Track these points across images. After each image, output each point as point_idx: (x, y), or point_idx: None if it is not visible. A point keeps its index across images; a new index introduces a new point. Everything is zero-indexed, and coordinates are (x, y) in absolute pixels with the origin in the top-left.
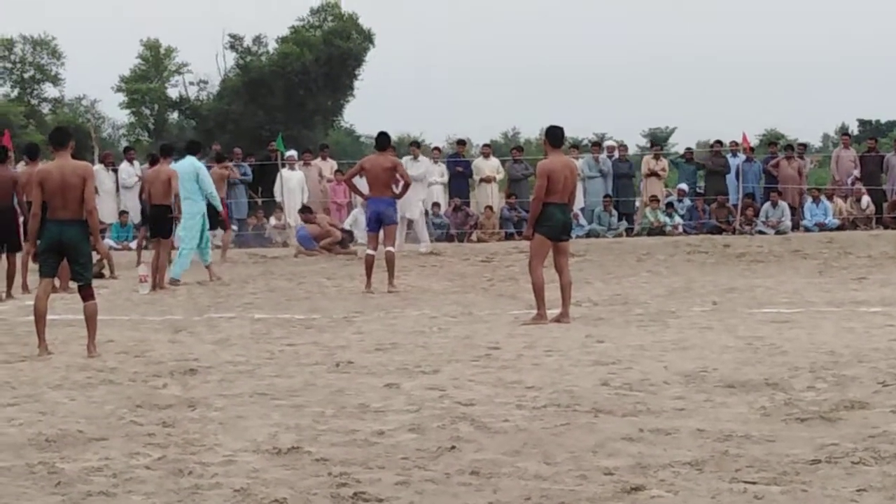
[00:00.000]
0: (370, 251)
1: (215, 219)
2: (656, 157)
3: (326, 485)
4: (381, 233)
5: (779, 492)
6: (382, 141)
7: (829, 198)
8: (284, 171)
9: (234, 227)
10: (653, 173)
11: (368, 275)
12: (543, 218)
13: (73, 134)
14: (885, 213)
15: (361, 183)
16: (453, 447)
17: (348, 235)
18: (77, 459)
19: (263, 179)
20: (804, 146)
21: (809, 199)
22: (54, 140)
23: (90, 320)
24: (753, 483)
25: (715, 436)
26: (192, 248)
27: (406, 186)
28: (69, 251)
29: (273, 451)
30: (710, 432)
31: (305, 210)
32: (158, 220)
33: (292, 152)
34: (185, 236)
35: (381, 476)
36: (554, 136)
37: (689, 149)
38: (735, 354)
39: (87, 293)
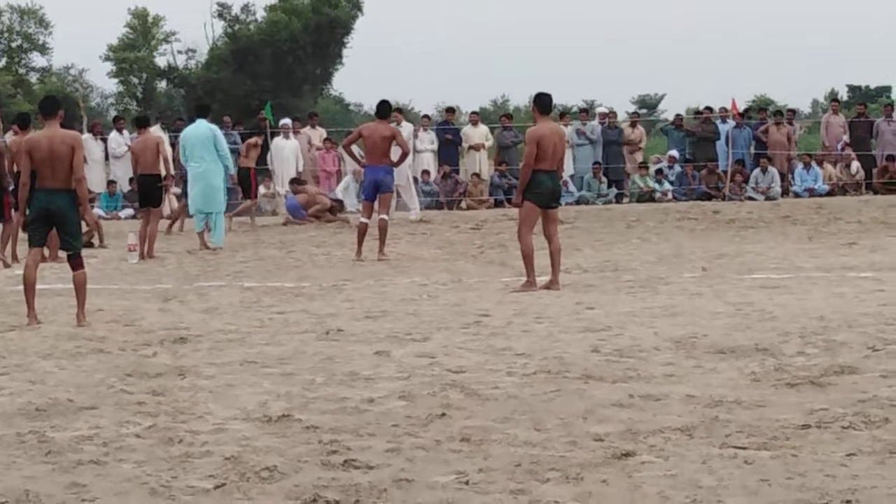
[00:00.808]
0: (364, 219)
1: (248, 185)
2: (633, 126)
3: (317, 452)
4: (376, 201)
5: (769, 457)
6: (383, 109)
7: (819, 163)
8: (277, 140)
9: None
10: (628, 142)
11: (360, 242)
12: (533, 185)
13: (62, 103)
14: (875, 178)
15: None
16: (443, 414)
17: (338, 204)
18: (67, 428)
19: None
20: (793, 112)
21: (800, 165)
22: (44, 109)
23: (79, 289)
24: (744, 448)
25: (705, 401)
26: (221, 213)
27: (404, 155)
28: (58, 220)
29: (263, 418)
30: (700, 398)
31: (294, 181)
32: (148, 190)
33: (286, 120)
34: (212, 202)
35: (372, 443)
36: (542, 103)
37: (678, 115)
38: (725, 320)
39: (76, 262)
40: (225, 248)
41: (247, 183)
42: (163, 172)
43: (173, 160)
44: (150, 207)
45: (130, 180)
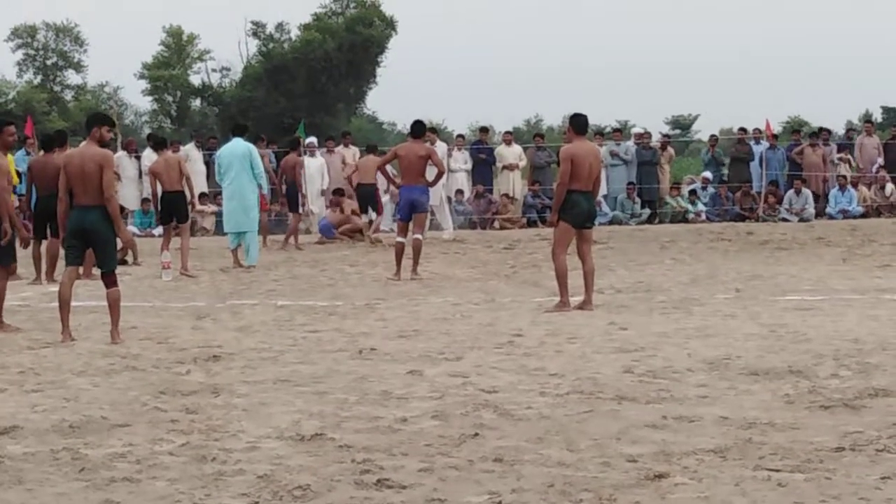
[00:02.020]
0: (400, 239)
1: (295, 202)
2: (663, 147)
3: (350, 471)
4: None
5: (803, 479)
6: (418, 128)
7: (854, 185)
8: (305, 159)
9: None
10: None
11: (398, 262)
12: (568, 205)
13: (102, 121)
14: None
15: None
16: (476, 434)
17: (368, 225)
18: (101, 445)
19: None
20: (829, 132)
21: (836, 187)
22: (86, 125)
23: (113, 307)
24: (777, 471)
25: (738, 423)
26: (255, 231)
27: (440, 175)
28: (91, 237)
29: (296, 437)
30: (733, 420)
31: (337, 192)
32: (176, 206)
33: (312, 139)
34: (246, 221)
35: (405, 463)
36: (578, 123)
37: (713, 136)
38: (759, 342)
39: (110, 280)
40: (258, 266)
41: (295, 200)
42: (186, 192)
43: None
44: (177, 224)
45: (143, 201)
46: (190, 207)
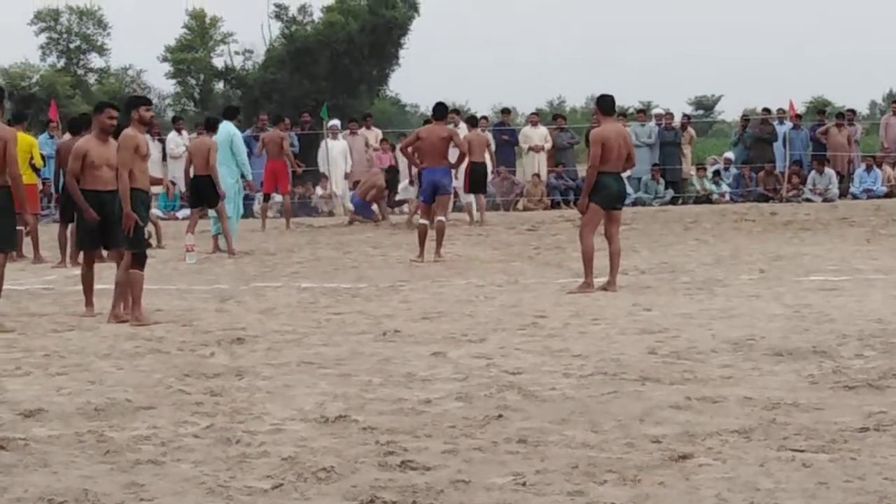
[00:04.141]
0: (423, 221)
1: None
2: (683, 127)
3: (374, 453)
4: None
5: (827, 459)
6: (440, 110)
7: (878, 165)
8: (328, 141)
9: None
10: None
11: (421, 244)
12: (598, 187)
13: (137, 102)
14: None
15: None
16: (500, 416)
17: (391, 172)
18: (125, 428)
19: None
20: (853, 112)
21: (862, 167)
22: (125, 110)
23: (132, 286)
24: (801, 451)
25: (762, 404)
26: (233, 218)
27: (462, 157)
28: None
29: (320, 419)
30: (757, 400)
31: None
32: (204, 190)
33: (335, 122)
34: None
35: (429, 444)
36: (605, 104)
37: (745, 117)
38: (782, 322)
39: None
40: (281, 249)
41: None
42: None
43: None
44: (206, 206)
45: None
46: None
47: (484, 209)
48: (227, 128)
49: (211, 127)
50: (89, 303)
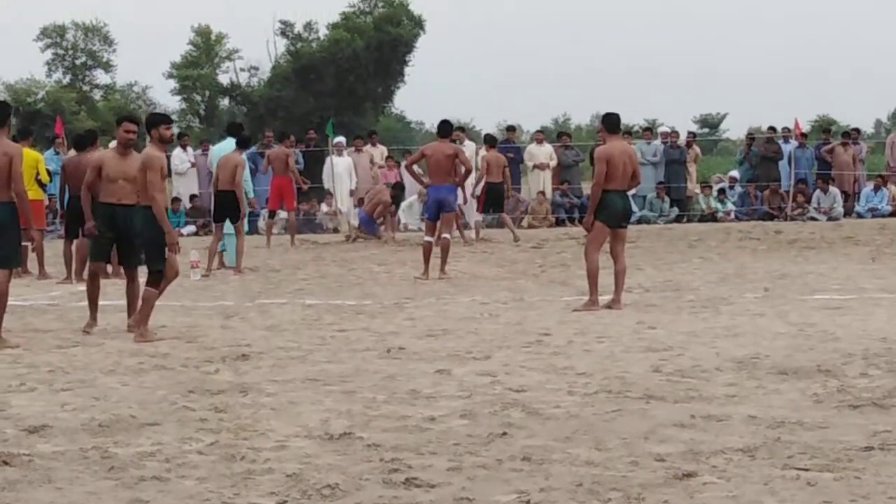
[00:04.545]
0: (428, 238)
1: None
2: (689, 145)
3: (378, 470)
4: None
5: (831, 479)
6: (445, 128)
7: (885, 184)
8: (332, 158)
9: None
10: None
11: (426, 261)
12: (603, 205)
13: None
14: None
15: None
16: (505, 433)
17: (397, 188)
18: (130, 444)
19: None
20: (858, 131)
21: (870, 186)
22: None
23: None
24: (806, 470)
25: (767, 422)
26: (232, 234)
27: (467, 173)
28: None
29: (325, 436)
30: (762, 419)
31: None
32: (227, 205)
33: (340, 138)
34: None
35: (433, 462)
36: (610, 122)
37: (750, 135)
38: (787, 341)
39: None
40: (286, 266)
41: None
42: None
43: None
44: (229, 222)
45: (173, 200)
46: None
47: (512, 225)
48: (231, 145)
49: (242, 144)
50: (93, 316)
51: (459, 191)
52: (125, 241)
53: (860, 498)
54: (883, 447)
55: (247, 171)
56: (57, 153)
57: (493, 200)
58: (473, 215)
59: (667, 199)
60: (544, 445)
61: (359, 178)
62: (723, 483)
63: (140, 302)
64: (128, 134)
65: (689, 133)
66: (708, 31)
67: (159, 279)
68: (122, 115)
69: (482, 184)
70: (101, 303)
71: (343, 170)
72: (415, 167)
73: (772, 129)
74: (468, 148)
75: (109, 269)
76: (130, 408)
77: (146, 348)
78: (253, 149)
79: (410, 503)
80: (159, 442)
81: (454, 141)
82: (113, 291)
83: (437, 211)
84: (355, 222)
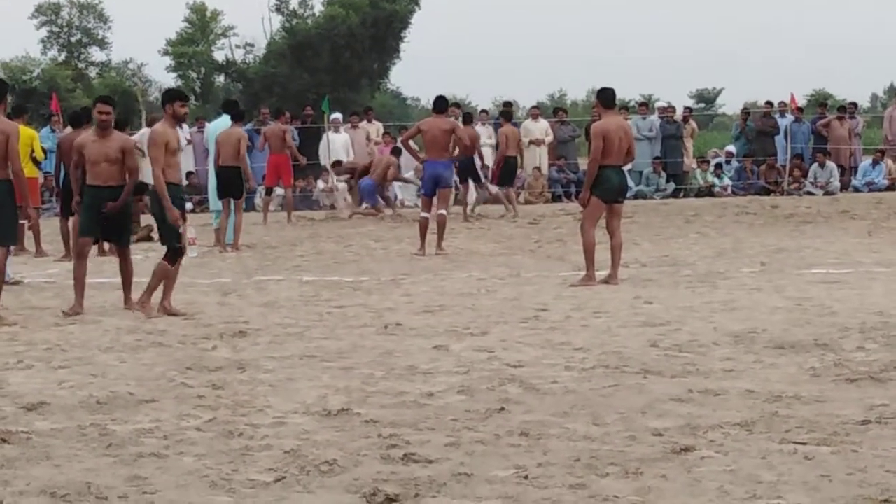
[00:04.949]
0: (424, 214)
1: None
2: (685, 120)
3: (376, 446)
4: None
5: (829, 452)
6: (440, 104)
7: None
8: (329, 134)
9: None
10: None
11: (422, 237)
12: (599, 181)
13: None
14: None
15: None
16: (502, 408)
17: (396, 153)
18: (128, 421)
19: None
20: (855, 105)
21: (868, 160)
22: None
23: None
24: (803, 444)
25: (764, 396)
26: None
27: (464, 149)
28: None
29: (323, 412)
30: (759, 393)
31: (336, 164)
32: (229, 181)
33: (336, 115)
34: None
35: (431, 437)
36: (606, 97)
37: (745, 111)
38: (784, 315)
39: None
40: (283, 242)
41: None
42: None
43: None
44: (231, 199)
45: (188, 174)
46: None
47: (515, 201)
48: (227, 122)
49: (239, 117)
50: (79, 301)
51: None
52: (112, 221)
53: (857, 471)
54: (880, 421)
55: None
56: (53, 131)
57: (507, 174)
58: (472, 191)
59: (663, 174)
60: (542, 420)
61: (355, 155)
62: (720, 457)
63: (152, 278)
64: (100, 115)
65: (686, 108)
66: (704, 5)
67: (175, 255)
68: (97, 97)
69: (498, 157)
70: (100, 280)
71: (340, 146)
72: (411, 142)
73: (768, 103)
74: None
75: (107, 246)
76: (128, 385)
77: (143, 325)
78: (249, 126)
79: (408, 479)
80: (157, 419)
81: (450, 117)
82: (110, 269)
83: (434, 186)
84: (349, 199)
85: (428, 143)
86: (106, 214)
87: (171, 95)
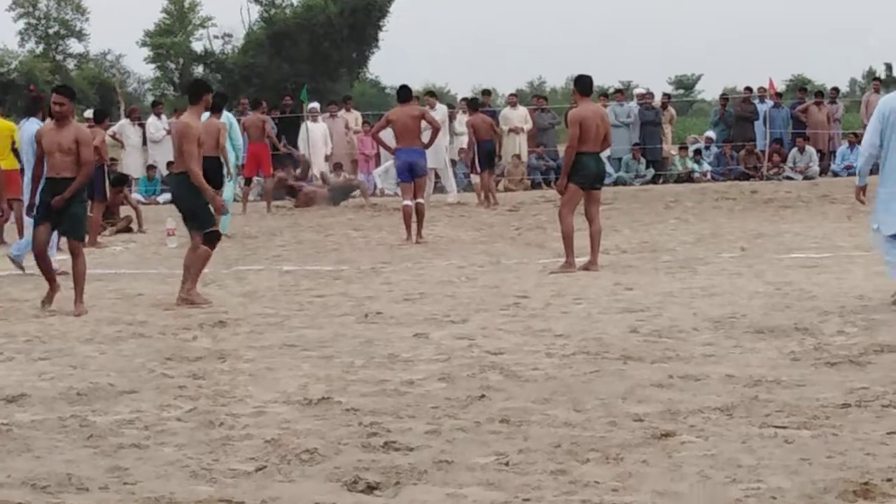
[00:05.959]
0: (407, 201)
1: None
2: (664, 107)
3: (357, 434)
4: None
5: (809, 436)
6: (405, 93)
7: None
8: (308, 124)
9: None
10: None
11: (408, 225)
12: (577, 167)
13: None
14: None
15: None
16: (483, 396)
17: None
18: (108, 412)
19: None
20: (836, 91)
21: (845, 144)
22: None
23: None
24: (784, 427)
25: (744, 381)
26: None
27: (435, 132)
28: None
29: (303, 401)
30: (739, 378)
31: (338, 167)
32: (210, 172)
33: (315, 104)
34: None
35: (412, 425)
36: (583, 84)
37: (724, 96)
38: (764, 300)
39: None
40: (262, 232)
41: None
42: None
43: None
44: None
45: (149, 168)
46: (227, 177)
47: (494, 189)
48: (224, 114)
49: (217, 108)
50: (49, 296)
51: (437, 154)
52: (61, 214)
53: (837, 454)
54: (860, 404)
55: (241, 138)
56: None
57: (485, 158)
58: (451, 179)
59: (643, 160)
60: (523, 407)
61: (334, 144)
62: (701, 442)
63: (194, 265)
64: (55, 106)
65: (665, 94)
66: None
67: (213, 239)
68: (54, 87)
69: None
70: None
71: (318, 136)
72: (381, 134)
73: (747, 89)
74: (440, 111)
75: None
76: (108, 376)
77: (123, 316)
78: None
79: (389, 466)
80: (138, 409)
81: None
82: (88, 260)
83: (410, 173)
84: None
85: (399, 132)
86: (54, 207)
87: (206, 87)
